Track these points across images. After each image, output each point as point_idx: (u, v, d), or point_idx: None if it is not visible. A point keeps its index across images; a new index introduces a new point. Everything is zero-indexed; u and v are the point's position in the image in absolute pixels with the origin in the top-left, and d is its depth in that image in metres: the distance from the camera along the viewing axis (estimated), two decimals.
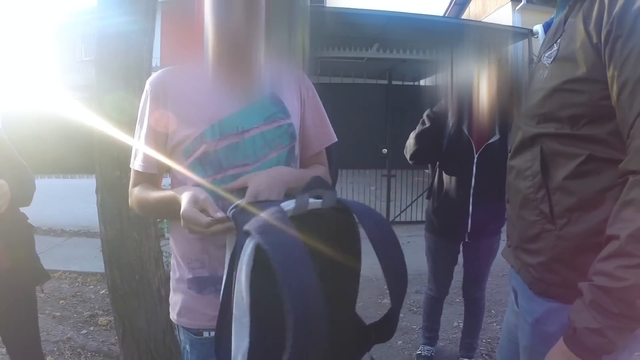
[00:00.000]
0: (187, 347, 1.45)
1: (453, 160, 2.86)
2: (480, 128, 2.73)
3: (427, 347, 3.39)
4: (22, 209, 2.23)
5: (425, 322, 3.35)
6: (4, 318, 2.18)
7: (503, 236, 2.86)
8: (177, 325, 1.47)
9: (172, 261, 1.48)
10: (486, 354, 3.45)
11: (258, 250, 0.91)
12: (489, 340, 3.65)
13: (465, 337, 3.24)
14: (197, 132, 1.32)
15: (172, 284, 1.48)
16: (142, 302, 2.64)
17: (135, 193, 1.45)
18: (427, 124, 2.77)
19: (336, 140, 1.62)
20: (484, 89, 2.60)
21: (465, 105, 2.70)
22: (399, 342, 3.59)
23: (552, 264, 1.23)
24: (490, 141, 2.74)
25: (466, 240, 2.92)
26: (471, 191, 2.79)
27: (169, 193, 1.33)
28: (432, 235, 3.10)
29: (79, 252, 6.04)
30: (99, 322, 4.04)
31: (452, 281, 3.19)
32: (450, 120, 2.82)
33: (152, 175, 1.45)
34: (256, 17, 1.28)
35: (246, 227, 0.94)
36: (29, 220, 2.29)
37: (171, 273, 1.49)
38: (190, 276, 1.39)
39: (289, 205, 1.03)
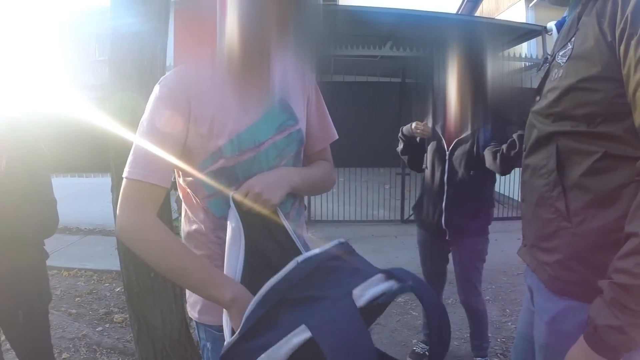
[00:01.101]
0: (209, 344, 1.44)
1: (429, 156, 3.00)
2: (451, 125, 2.86)
3: (422, 345, 3.40)
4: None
5: (424, 318, 3.40)
6: (12, 328, 2.19)
7: (493, 237, 2.89)
8: (197, 323, 1.46)
9: None
10: (501, 354, 3.44)
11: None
12: (504, 339, 3.63)
13: (473, 339, 3.22)
14: (215, 145, 1.28)
15: None
16: (157, 300, 2.66)
17: (157, 231, 1.21)
18: (401, 146, 3.16)
19: (337, 137, 1.62)
20: (452, 86, 2.74)
21: (438, 104, 2.87)
22: (414, 341, 3.59)
23: (568, 262, 1.22)
24: (461, 137, 2.83)
25: (447, 238, 2.94)
26: (445, 189, 2.88)
27: (213, 272, 1.22)
28: (418, 229, 3.19)
29: (95, 250, 6.10)
30: (114, 320, 4.08)
31: (446, 280, 3.22)
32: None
33: (162, 191, 1.26)
34: (274, 21, 1.25)
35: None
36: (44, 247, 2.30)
37: None
38: None
39: (363, 296, 0.92)
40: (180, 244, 1.24)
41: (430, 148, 2.99)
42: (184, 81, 1.30)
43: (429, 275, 3.18)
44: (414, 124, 2.99)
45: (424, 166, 3.08)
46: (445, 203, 2.87)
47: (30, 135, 2.16)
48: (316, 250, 1.05)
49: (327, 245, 1.08)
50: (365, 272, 0.97)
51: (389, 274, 0.95)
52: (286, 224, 1.31)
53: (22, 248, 2.11)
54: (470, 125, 2.80)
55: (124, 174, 1.23)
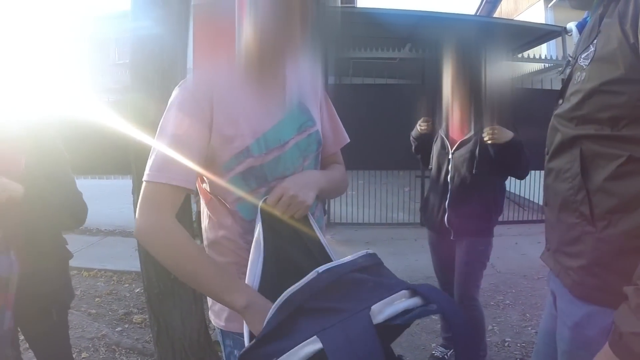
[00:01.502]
0: (237, 352, 1.42)
1: (434, 156, 3.07)
2: (454, 127, 2.92)
3: (441, 349, 3.38)
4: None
5: (441, 321, 3.38)
6: (31, 328, 2.21)
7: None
8: (222, 331, 1.45)
9: None
10: (520, 358, 3.41)
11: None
12: (524, 344, 3.60)
13: None
14: (241, 145, 1.28)
15: None
16: (177, 301, 2.68)
17: (174, 234, 1.21)
18: (414, 145, 3.27)
19: (349, 141, 1.63)
20: (449, 88, 2.80)
21: (440, 106, 2.92)
22: (433, 345, 3.57)
23: (592, 267, 1.21)
24: (463, 138, 2.86)
25: (452, 237, 2.95)
26: (448, 188, 2.92)
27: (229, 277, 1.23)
28: (428, 231, 3.24)
29: (115, 251, 6.16)
30: (134, 320, 4.12)
31: None
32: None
33: (181, 194, 1.26)
34: (290, 24, 1.25)
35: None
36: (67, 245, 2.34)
37: None
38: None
39: (382, 312, 0.91)
40: (196, 248, 1.23)
41: (436, 147, 3.05)
42: (204, 84, 1.30)
43: (441, 276, 3.21)
44: (419, 121, 3.11)
45: (430, 166, 3.14)
46: (449, 201, 2.91)
47: (47, 136, 2.19)
48: (341, 261, 1.04)
49: (353, 256, 1.06)
50: (389, 287, 0.96)
51: (415, 291, 0.95)
52: (316, 228, 1.31)
53: (48, 246, 2.15)
54: (473, 127, 2.83)
55: (144, 177, 1.24)
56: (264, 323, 0.97)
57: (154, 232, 1.22)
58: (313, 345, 0.86)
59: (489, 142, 2.66)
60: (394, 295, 0.93)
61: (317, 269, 1.00)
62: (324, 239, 1.31)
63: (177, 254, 1.20)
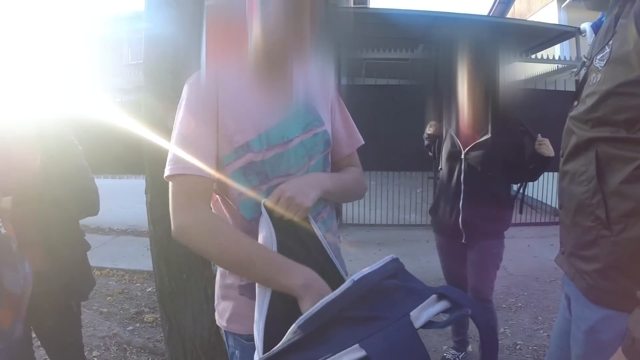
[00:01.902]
0: (237, 352, 1.43)
1: (444, 157, 3.00)
2: (466, 128, 2.84)
3: (452, 351, 3.37)
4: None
5: (452, 325, 3.34)
6: (43, 326, 2.23)
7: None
8: (225, 331, 1.45)
9: (221, 268, 1.43)
10: None
11: None
12: (535, 347, 3.57)
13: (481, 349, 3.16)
14: (242, 140, 1.29)
15: (220, 291, 1.46)
16: (188, 301, 2.68)
17: (214, 224, 1.21)
18: (426, 143, 3.29)
19: (363, 142, 1.62)
20: (463, 88, 2.74)
21: (450, 106, 2.88)
22: (444, 347, 3.55)
23: (608, 270, 1.20)
24: (479, 140, 2.79)
25: (463, 240, 2.93)
26: (462, 189, 2.87)
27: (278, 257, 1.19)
28: (435, 234, 3.22)
29: (127, 250, 6.20)
30: (145, 319, 4.14)
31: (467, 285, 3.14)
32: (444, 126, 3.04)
33: (209, 183, 1.27)
34: (302, 25, 1.26)
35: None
36: (85, 237, 2.37)
37: (219, 279, 1.46)
38: (243, 283, 1.36)
39: (420, 318, 0.92)
40: (240, 234, 1.22)
41: (445, 147, 3.00)
42: (211, 79, 1.32)
43: (451, 279, 3.18)
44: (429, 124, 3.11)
45: (439, 167, 3.10)
46: (463, 202, 2.86)
47: (61, 135, 2.21)
48: (372, 268, 1.03)
49: (382, 262, 1.06)
50: (420, 292, 0.96)
51: (441, 295, 0.94)
52: (317, 229, 1.31)
53: (62, 243, 2.16)
54: (490, 129, 2.77)
55: (166, 173, 1.24)
56: (293, 327, 0.96)
57: (190, 226, 1.21)
58: (354, 353, 0.85)
59: (537, 151, 2.70)
60: (427, 300, 0.93)
61: (352, 277, 0.99)
62: (326, 239, 1.30)
63: (225, 243, 1.19)
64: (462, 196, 2.87)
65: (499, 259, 2.93)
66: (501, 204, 2.87)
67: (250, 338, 1.27)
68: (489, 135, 2.77)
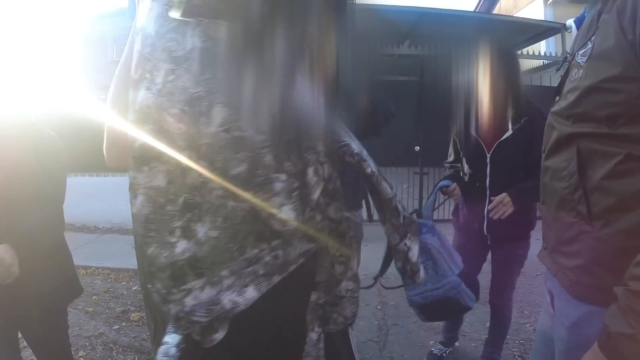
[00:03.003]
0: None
1: (467, 162, 2.86)
2: (488, 127, 2.69)
3: (440, 346, 3.36)
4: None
5: (446, 322, 3.33)
6: (29, 328, 2.20)
7: (532, 242, 2.81)
8: None
9: None
10: (519, 356, 3.40)
11: None
12: (522, 341, 3.59)
13: (487, 346, 3.15)
14: None
15: None
16: None
17: None
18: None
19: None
20: (482, 86, 2.60)
21: (469, 106, 2.70)
22: (431, 342, 3.57)
23: (590, 266, 1.20)
24: (502, 139, 2.66)
25: (489, 242, 2.84)
26: (487, 192, 2.74)
27: None
28: (456, 233, 3.10)
29: (112, 248, 6.14)
30: (131, 318, 4.10)
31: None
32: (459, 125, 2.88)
33: None
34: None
35: None
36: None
37: None
38: None
39: None
40: None
41: (468, 154, 2.85)
42: None
43: (465, 276, 3.08)
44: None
45: (463, 174, 2.95)
46: (488, 209, 2.70)
47: (46, 134, 2.18)
48: None
49: None
50: None
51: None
52: None
53: (33, 246, 2.11)
54: (510, 125, 2.63)
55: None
56: None
57: None
58: None
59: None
60: None
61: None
62: None
63: None
64: (487, 202, 2.73)
65: (524, 258, 2.86)
66: (527, 206, 2.76)
67: None
68: (510, 132, 2.63)
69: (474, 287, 2.80)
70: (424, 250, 2.55)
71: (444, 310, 2.57)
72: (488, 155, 2.71)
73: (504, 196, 2.57)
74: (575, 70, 1.25)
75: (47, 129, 2.23)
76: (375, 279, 2.16)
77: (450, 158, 3.06)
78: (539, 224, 2.10)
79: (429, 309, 2.53)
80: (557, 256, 1.34)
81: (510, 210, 2.55)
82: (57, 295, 2.22)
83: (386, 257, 1.87)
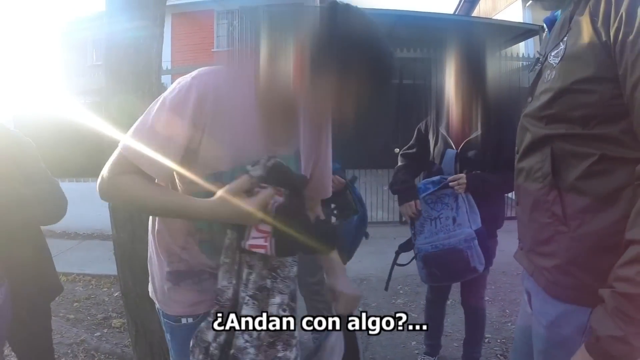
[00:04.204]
0: (168, 335, 1.50)
1: (435, 158, 2.84)
2: (457, 125, 2.71)
3: (427, 357, 3.28)
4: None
5: (429, 329, 3.25)
6: (17, 331, 2.18)
7: (510, 242, 2.80)
8: (160, 312, 1.50)
9: (150, 251, 1.49)
10: (500, 354, 3.43)
11: None
12: (504, 340, 3.62)
13: (466, 346, 3.12)
14: (215, 167, 1.27)
15: (152, 269, 1.52)
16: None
17: (128, 184, 1.22)
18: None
19: (330, 196, 1.62)
20: (451, 86, 2.62)
21: (441, 104, 2.73)
22: (413, 343, 3.58)
23: (566, 266, 1.21)
24: (469, 138, 2.68)
25: None
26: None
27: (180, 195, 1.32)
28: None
29: (93, 255, 6.09)
30: (113, 325, 4.07)
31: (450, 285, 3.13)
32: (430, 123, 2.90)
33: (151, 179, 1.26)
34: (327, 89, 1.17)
35: None
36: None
37: (150, 261, 1.52)
38: (168, 269, 1.41)
39: None
40: (160, 186, 1.29)
41: (438, 151, 2.83)
42: (218, 90, 1.25)
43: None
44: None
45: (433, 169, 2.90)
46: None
47: (22, 137, 2.17)
48: None
49: None
50: None
51: None
52: None
53: (20, 243, 2.09)
54: (479, 125, 2.64)
55: (124, 152, 1.22)
56: None
57: (113, 188, 1.26)
58: None
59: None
60: None
61: None
62: None
63: (138, 200, 1.25)
64: None
65: (493, 256, 2.85)
66: (496, 204, 2.82)
67: (177, 320, 1.44)
68: (479, 132, 2.65)
69: (487, 253, 2.73)
70: (447, 199, 2.60)
71: (449, 266, 2.61)
72: (456, 152, 2.72)
73: (461, 175, 2.62)
74: (548, 71, 1.26)
75: (20, 133, 2.21)
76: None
77: (412, 150, 3.06)
78: (510, 225, 2.12)
79: (434, 262, 2.60)
80: (533, 256, 1.35)
81: (462, 189, 2.59)
82: (42, 296, 2.24)
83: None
